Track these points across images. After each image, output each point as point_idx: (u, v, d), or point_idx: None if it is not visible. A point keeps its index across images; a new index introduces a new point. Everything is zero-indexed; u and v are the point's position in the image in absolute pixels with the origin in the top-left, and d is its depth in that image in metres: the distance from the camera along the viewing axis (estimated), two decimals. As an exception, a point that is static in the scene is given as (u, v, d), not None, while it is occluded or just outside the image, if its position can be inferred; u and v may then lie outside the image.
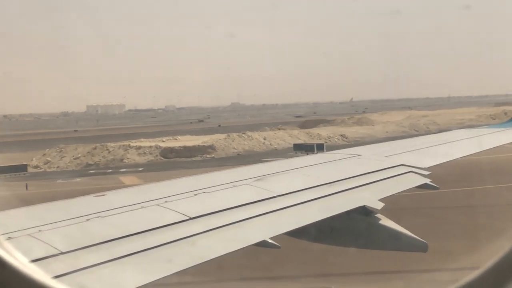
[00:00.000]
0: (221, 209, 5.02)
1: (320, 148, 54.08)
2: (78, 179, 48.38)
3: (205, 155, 61.94)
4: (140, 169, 54.23)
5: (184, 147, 63.57)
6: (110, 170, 54.84)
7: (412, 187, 6.88)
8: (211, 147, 63.96)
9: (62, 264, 3.61)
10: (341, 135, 74.99)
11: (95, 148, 63.54)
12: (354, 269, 15.91)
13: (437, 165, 7.71)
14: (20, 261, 3.12)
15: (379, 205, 5.85)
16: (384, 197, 6.09)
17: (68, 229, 4.31)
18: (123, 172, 52.03)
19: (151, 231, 4.34)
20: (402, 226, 6.11)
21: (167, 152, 62.23)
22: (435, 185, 6.90)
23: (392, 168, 7.30)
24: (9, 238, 3.88)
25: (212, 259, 4.20)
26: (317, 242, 6.14)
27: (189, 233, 4.42)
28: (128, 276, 3.83)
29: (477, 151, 9.56)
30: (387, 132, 79.82)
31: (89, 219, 4.53)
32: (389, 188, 6.56)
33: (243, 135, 70.79)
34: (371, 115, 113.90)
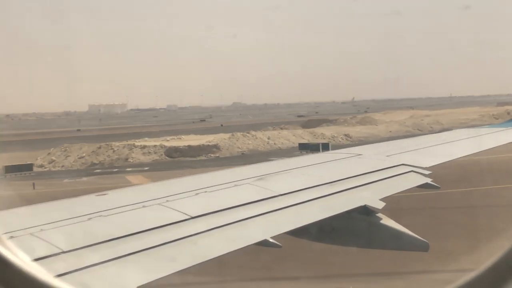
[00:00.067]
0: (223, 208, 5.04)
1: (326, 147, 53.35)
2: (85, 178, 48.36)
3: (209, 154, 61.89)
4: (146, 168, 54.19)
5: (189, 146, 63.51)
6: (116, 170, 54.80)
7: (413, 187, 6.90)
8: (216, 147, 63.92)
9: (65, 263, 3.63)
10: (345, 135, 74.81)
11: (99, 148, 63.55)
12: (354, 269, 15.90)
13: (438, 164, 7.72)
14: (23, 260, 3.14)
15: (380, 205, 5.85)
16: (385, 197, 6.11)
17: (70, 228, 4.34)
18: (129, 172, 51.96)
19: (153, 230, 4.37)
20: (403, 225, 6.12)
21: (172, 152, 62.21)
22: (436, 184, 6.91)
23: (393, 168, 7.31)
24: (11, 237, 3.90)
25: (213, 258, 4.23)
26: (318, 241, 6.15)
27: (191, 232, 4.44)
28: (130, 275, 3.85)
29: (478, 151, 9.56)
30: (390, 131, 79.62)
31: (91, 218, 4.56)
32: (390, 187, 6.57)
33: (248, 134, 70.65)
34: (374, 114, 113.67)
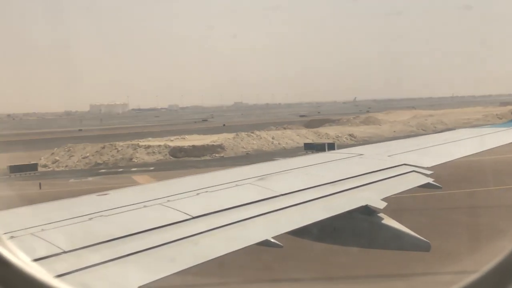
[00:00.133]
0: (224, 208, 5.04)
1: (331, 147, 52.09)
2: (90, 179, 48.25)
3: (214, 154, 61.77)
4: (151, 168, 54.12)
5: (193, 146, 63.40)
6: (121, 170, 54.72)
7: (415, 187, 6.88)
8: (220, 147, 63.82)
9: (65, 263, 3.63)
10: (350, 135, 74.57)
11: (103, 147, 63.50)
12: (356, 269, 15.86)
13: (439, 164, 7.70)
14: (23, 260, 3.14)
15: (382, 205, 5.85)
16: (387, 197, 6.10)
17: (71, 228, 4.34)
18: (135, 172, 51.91)
19: (154, 230, 4.37)
20: (404, 225, 6.11)
21: (176, 152, 62.15)
22: (438, 184, 6.90)
23: (395, 168, 7.30)
24: (11, 237, 3.91)
25: (214, 258, 4.22)
26: (319, 241, 6.14)
27: (192, 232, 4.44)
28: (131, 275, 3.85)
29: (480, 151, 9.54)
30: (394, 131, 79.41)
31: (92, 218, 4.56)
32: (392, 187, 6.56)
33: (252, 134, 70.47)
34: (376, 114, 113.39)
